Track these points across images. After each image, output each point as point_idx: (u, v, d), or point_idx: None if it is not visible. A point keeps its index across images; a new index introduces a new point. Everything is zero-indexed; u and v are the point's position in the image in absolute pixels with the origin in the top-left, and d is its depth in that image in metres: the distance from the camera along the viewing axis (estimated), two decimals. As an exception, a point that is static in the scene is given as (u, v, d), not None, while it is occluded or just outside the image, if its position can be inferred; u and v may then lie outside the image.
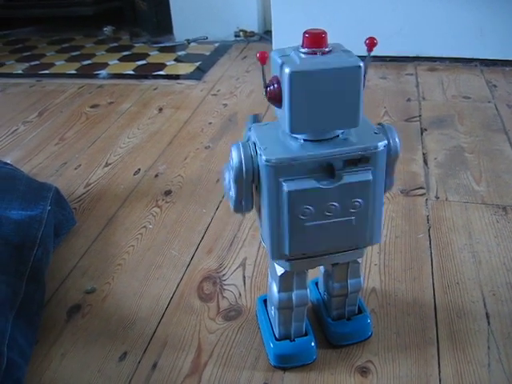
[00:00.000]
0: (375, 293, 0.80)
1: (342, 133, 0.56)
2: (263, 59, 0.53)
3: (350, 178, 0.55)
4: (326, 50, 0.53)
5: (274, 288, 0.65)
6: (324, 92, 0.52)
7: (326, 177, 0.55)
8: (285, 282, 0.64)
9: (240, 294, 0.81)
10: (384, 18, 1.70)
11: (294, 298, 0.65)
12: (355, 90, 0.52)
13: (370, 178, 0.56)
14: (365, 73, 0.53)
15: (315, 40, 0.52)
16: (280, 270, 0.63)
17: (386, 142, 0.56)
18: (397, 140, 0.57)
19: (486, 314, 0.75)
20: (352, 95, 0.52)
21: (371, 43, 0.52)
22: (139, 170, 1.18)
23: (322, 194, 0.55)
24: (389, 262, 0.86)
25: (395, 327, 0.74)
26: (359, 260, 0.66)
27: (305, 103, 0.51)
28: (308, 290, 0.66)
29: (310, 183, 0.55)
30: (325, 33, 0.53)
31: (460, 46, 1.71)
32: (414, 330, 0.73)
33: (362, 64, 0.51)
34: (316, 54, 0.52)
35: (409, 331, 0.73)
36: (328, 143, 0.55)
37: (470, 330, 0.73)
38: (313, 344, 0.69)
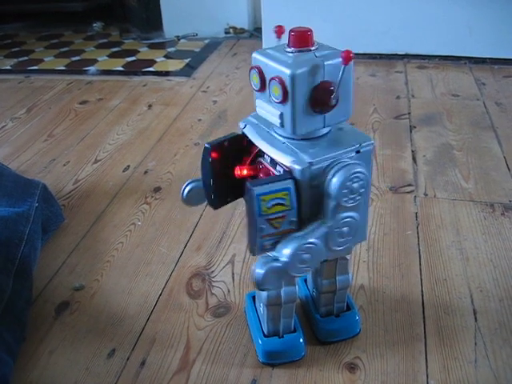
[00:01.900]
0: (363, 289, 0.80)
1: (329, 131, 0.57)
2: (280, 32, 0.56)
3: None
4: (313, 47, 0.53)
5: (263, 285, 0.65)
6: None
7: None
8: (273, 279, 0.64)
9: (229, 291, 0.81)
10: (374, 16, 1.70)
11: (282, 294, 0.65)
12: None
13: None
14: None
15: (302, 38, 0.52)
16: (268, 267, 0.63)
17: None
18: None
19: (474, 310, 0.76)
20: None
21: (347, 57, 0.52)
22: (128, 166, 1.18)
23: None
24: (377, 258, 0.86)
25: (383, 324, 0.74)
26: (347, 257, 0.66)
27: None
28: (297, 286, 0.66)
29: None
30: (310, 30, 0.53)
31: (449, 44, 1.71)
32: (402, 326, 0.74)
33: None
34: (304, 52, 0.52)
35: (397, 328, 0.74)
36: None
37: (457, 326, 0.73)
38: (301, 340, 0.69)
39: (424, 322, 0.74)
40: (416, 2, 1.67)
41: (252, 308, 0.73)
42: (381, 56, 1.76)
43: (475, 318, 0.74)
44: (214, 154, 0.59)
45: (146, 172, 1.15)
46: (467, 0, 1.64)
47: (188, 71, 1.76)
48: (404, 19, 1.70)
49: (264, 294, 0.65)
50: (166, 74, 1.76)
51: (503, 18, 1.64)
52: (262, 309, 0.68)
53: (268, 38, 1.80)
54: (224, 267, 0.87)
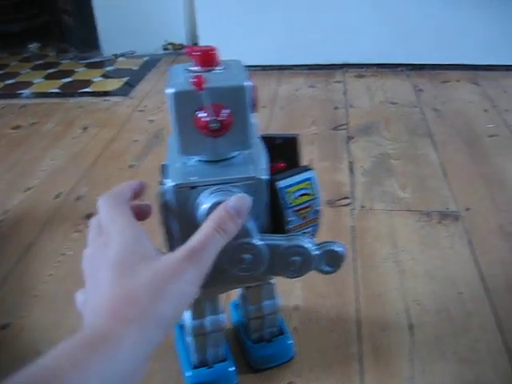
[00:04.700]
0: (298, 310, 0.78)
1: (240, 153, 0.54)
2: (199, 84, 0.48)
3: None
4: (217, 67, 0.51)
5: (187, 315, 0.62)
6: None
7: None
8: (197, 309, 0.61)
9: (160, 320, 0.78)
10: (311, 27, 1.70)
11: (207, 324, 0.62)
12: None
13: None
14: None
15: (204, 58, 0.50)
16: (190, 297, 0.60)
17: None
18: None
19: (410, 324, 0.75)
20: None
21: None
22: (60, 193, 1.14)
23: None
24: (312, 277, 0.83)
25: (318, 345, 0.72)
26: (272, 281, 0.64)
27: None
28: (222, 314, 0.63)
29: None
30: (214, 49, 0.51)
31: (386, 52, 1.73)
32: (338, 346, 0.72)
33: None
34: (203, 72, 0.50)
35: (332, 348, 0.72)
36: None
37: (392, 343, 0.72)
38: (231, 369, 0.66)
39: (360, 340, 0.73)
40: (350, 11, 1.68)
41: (181, 338, 0.70)
42: (320, 67, 1.76)
43: (412, 333, 0.73)
44: None
45: (78, 198, 1.11)
46: (402, 7, 1.65)
47: (126, 90, 1.72)
48: (341, 29, 1.70)
49: (188, 324, 0.62)
50: (104, 94, 1.71)
51: (439, 24, 1.66)
52: (188, 339, 0.66)
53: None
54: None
